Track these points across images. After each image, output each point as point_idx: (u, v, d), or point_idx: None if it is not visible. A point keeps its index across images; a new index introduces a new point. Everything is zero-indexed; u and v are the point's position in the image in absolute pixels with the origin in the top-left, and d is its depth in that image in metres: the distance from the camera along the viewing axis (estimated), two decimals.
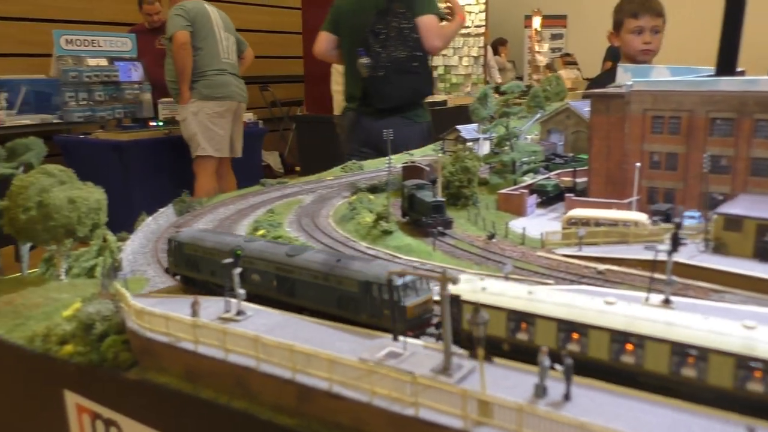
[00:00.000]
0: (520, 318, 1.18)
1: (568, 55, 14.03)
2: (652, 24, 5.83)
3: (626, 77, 4.94)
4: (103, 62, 9.19)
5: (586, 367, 1.10)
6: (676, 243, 1.35)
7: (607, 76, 5.80)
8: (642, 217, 2.14)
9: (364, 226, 2.38)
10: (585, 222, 2.13)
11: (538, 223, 2.53)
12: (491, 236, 2.18)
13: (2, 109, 8.63)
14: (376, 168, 4.05)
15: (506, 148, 3.11)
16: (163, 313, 1.36)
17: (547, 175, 2.98)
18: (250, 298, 1.69)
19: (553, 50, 14.42)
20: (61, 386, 1.56)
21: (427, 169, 2.94)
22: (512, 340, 1.21)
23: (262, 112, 10.49)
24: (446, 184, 2.69)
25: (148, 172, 8.18)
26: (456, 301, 1.23)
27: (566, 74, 11.26)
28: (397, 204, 2.89)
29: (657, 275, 1.32)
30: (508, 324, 1.20)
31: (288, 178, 3.69)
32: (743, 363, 1.01)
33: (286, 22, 12.72)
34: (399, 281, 1.32)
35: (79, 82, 8.89)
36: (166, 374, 1.33)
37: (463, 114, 13.15)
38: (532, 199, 2.71)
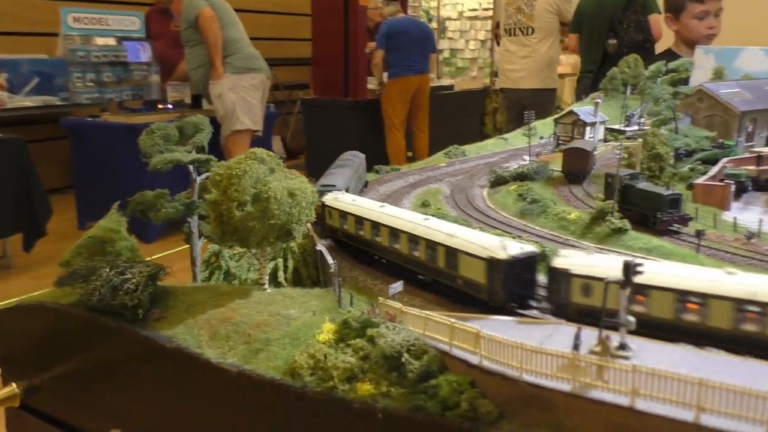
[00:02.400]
0: (359, 220, 1.81)
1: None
2: (716, 7, 5.80)
3: (707, 60, 4.66)
4: (111, 42, 8.66)
5: (395, 255, 1.68)
6: None
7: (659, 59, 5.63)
8: None
9: (573, 222, 2.03)
10: None
11: (751, 217, 2.22)
12: (750, 236, 1.86)
13: (4, 90, 8.04)
14: (476, 153, 3.70)
15: (666, 132, 2.79)
16: (555, 350, 1.00)
17: (722, 163, 2.67)
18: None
19: None
20: None
21: (594, 153, 2.60)
22: (356, 235, 1.84)
23: None
24: None
25: None
26: (323, 205, 1.95)
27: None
28: (558, 192, 2.57)
29: None
30: (355, 225, 1.84)
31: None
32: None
33: (295, 3, 12.21)
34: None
35: (87, 62, 8.36)
36: None
37: (469, 98, 12.72)
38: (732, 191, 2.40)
